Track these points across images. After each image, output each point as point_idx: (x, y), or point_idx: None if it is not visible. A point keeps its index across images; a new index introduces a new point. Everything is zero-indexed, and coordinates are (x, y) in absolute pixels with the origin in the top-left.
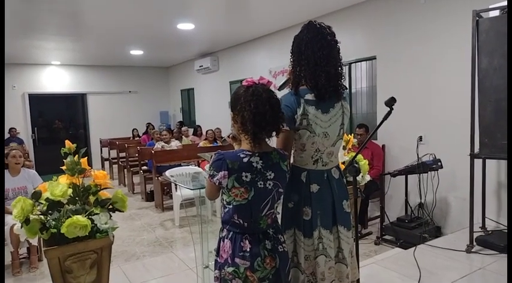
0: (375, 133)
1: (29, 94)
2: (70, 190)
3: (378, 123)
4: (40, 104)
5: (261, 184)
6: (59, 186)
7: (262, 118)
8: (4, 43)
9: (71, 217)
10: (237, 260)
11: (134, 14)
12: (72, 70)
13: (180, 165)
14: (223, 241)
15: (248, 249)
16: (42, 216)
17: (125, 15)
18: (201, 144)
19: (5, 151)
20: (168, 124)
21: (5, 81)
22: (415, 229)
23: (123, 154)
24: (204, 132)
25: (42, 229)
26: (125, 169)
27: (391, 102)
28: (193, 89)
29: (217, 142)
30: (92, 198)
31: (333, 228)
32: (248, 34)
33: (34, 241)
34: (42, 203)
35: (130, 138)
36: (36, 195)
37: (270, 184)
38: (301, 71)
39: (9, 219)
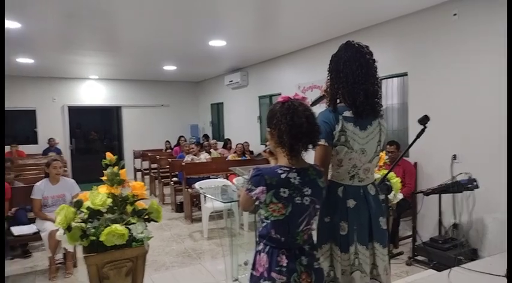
0: (408, 151)
1: (68, 106)
2: (109, 200)
3: (409, 140)
4: (78, 115)
5: (298, 200)
6: (99, 196)
7: (299, 130)
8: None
9: (109, 225)
10: (273, 274)
11: (169, 32)
12: (108, 84)
13: (208, 178)
14: (260, 254)
15: (285, 264)
16: (83, 224)
17: (161, 32)
18: (230, 157)
19: (46, 161)
20: (197, 137)
21: (46, 94)
22: (450, 250)
23: (154, 166)
24: (233, 146)
25: (83, 237)
26: (156, 180)
27: (424, 121)
28: (222, 103)
29: (245, 156)
30: (129, 208)
31: (369, 244)
32: (277, 50)
33: (70, 248)
34: (83, 211)
35: (162, 150)
36: (78, 204)
37: (307, 200)
38: (339, 88)
39: (47, 225)
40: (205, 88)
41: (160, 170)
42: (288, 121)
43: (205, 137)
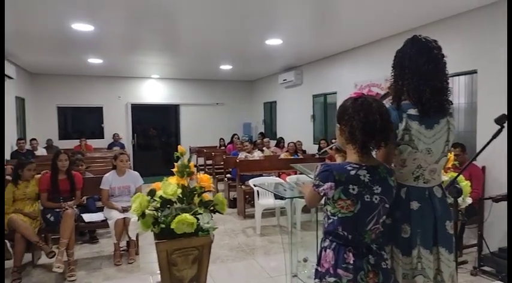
0: (474, 153)
1: (131, 104)
2: (179, 190)
3: (477, 142)
4: (139, 113)
5: (367, 198)
6: (171, 186)
7: (372, 127)
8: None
9: (179, 214)
10: (339, 271)
11: (227, 32)
12: (168, 83)
13: (261, 175)
14: (325, 251)
15: (351, 262)
16: (155, 212)
17: (219, 33)
18: (282, 155)
19: (114, 154)
20: (250, 135)
21: (112, 92)
22: None
23: (209, 162)
24: (286, 145)
25: (154, 224)
26: (211, 176)
27: (502, 120)
28: (275, 102)
29: (298, 155)
30: (196, 199)
31: (433, 248)
32: (334, 48)
33: (133, 236)
34: (156, 200)
35: (216, 147)
36: (152, 193)
37: (376, 198)
38: (403, 85)
39: (114, 214)
40: (259, 87)
41: (215, 166)
42: (361, 117)
43: (261, 134)
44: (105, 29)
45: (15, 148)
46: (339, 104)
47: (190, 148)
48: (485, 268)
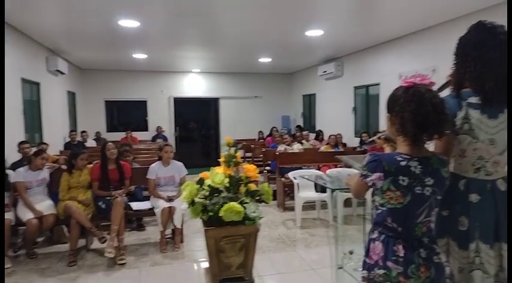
0: None
1: (174, 98)
2: (226, 180)
3: None
4: (180, 106)
5: (418, 190)
6: (218, 175)
7: (424, 119)
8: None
9: (227, 203)
10: (389, 263)
11: (267, 25)
12: (208, 77)
13: (301, 168)
14: (374, 242)
15: (402, 254)
16: (204, 200)
17: (259, 26)
18: (323, 148)
19: (159, 146)
20: (289, 128)
21: (156, 86)
22: None
23: (249, 154)
24: (325, 137)
25: (203, 211)
26: None
27: None
28: (315, 94)
29: (338, 148)
30: (242, 189)
31: (495, 244)
32: (377, 37)
33: (178, 225)
34: (204, 189)
35: (255, 139)
36: (200, 182)
37: (428, 190)
38: (465, 73)
39: (160, 203)
40: (298, 79)
41: (254, 159)
42: (412, 109)
43: (299, 127)
44: (149, 25)
45: (68, 139)
46: (382, 95)
47: None
48: None
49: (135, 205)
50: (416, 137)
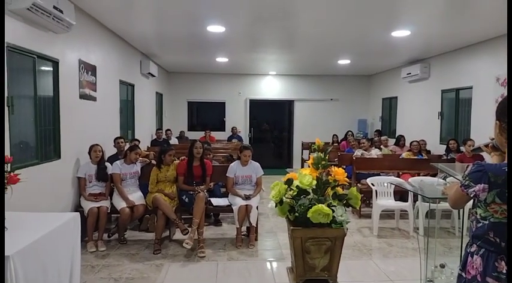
0: None
1: (250, 99)
2: (314, 182)
3: None
4: (255, 108)
5: None
6: (306, 177)
7: None
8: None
9: (314, 204)
10: (489, 280)
11: (349, 25)
12: (284, 79)
13: (378, 174)
14: (472, 256)
15: (504, 271)
16: (291, 200)
17: (339, 27)
18: (404, 155)
19: (239, 148)
20: (365, 132)
21: (234, 88)
22: None
23: None
24: (406, 143)
25: (290, 211)
26: None
27: None
28: (396, 97)
29: (421, 155)
30: (329, 191)
31: None
32: (470, 38)
33: (254, 223)
34: (292, 189)
35: (329, 143)
36: (289, 182)
37: None
38: None
39: (238, 200)
40: (377, 82)
41: (328, 163)
42: None
43: (378, 132)
44: (233, 30)
45: (154, 137)
46: (475, 99)
47: (302, 144)
48: None
49: (215, 201)
50: None
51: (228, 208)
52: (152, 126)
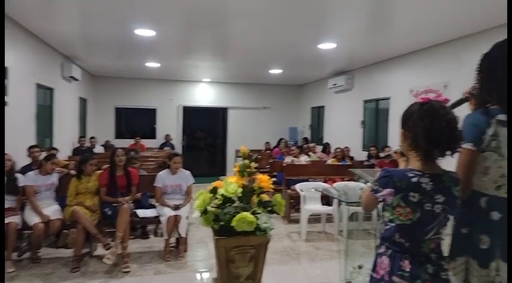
0: None
1: (183, 106)
2: (240, 190)
3: None
4: (188, 115)
5: (428, 206)
6: (232, 185)
7: (437, 135)
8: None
9: (239, 213)
10: (394, 278)
11: (280, 37)
12: (217, 86)
13: (307, 180)
14: (381, 257)
15: (408, 269)
16: (216, 209)
17: (271, 38)
18: (329, 161)
19: (169, 155)
20: (296, 140)
21: (166, 95)
22: None
23: (255, 165)
24: (332, 150)
25: (215, 220)
26: None
27: None
28: (323, 106)
29: (345, 161)
30: (254, 199)
31: None
32: (389, 52)
33: (183, 233)
34: (217, 198)
35: (262, 150)
36: (214, 190)
37: (438, 208)
38: (492, 90)
39: (166, 211)
40: (307, 91)
41: (260, 170)
42: (426, 124)
43: (305, 139)
44: (165, 35)
45: (77, 145)
46: (392, 109)
47: (236, 151)
48: None
49: (141, 213)
50: (428, 153)
51: (156, 220)
52: (74, 134)
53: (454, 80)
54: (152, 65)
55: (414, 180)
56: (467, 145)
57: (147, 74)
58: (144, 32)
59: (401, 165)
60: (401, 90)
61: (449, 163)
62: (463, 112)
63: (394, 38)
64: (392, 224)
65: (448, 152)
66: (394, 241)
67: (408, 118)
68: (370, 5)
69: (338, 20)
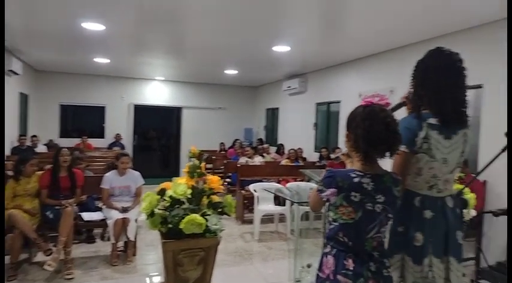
0: (476, 167)
1: (134, 105)
2: (189, 191)
3: (479, 157)
4: (140, 114)
5: (369, 206)
6: (181, 186)
7: (376, 137)
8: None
9: (188, 215)
10: (339, 277)
11: (236, 37)
12: (172, 85)
13: (261, 181)
14: (326, 257)
15: (351, 268)
16: (164, 211)
17: (227, 38)
18: (283, 162)
19: (116, 155)
20: (251, 141)
21: (116, 92)
22: None
23: (209, 166)
24: (286, 151)
25: (163, 223)
26: None
27: None
28: (278, 108)
29: (298, 162)
30: (205, 200)
31: (444, 258)
32: (340, 57)
33: (132, 237)
34: (165, 200)
35: (216, 151)
36: (162, 192)
37: (379, 207)
38: (424, 95)
39: (113, 214)
40: (262, 93)
41: (215, 170)
42: (366, 126)
43: (260, 140)
44: (115, 29)
45: (16, 144)
46: (342, 112)
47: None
48: (483, 281)
49: (87, 216)
50: (367, 154)
51: (103, 223)
52: (13, 132)
53: (399, 85)
54: (101, 60)
55: (356, 180)
56: (401, 148)
57: (96, 70)
58: (93, 26)
59: (348, 166)
60: (351, 94)
61: (385, 164)
62: (402, 116)
63: (345, 44)
64: (336, 224)
65: (387, 154)
66: (338, 241)
67: (352, 120)
68: (322, 11)
69: (291, 23)
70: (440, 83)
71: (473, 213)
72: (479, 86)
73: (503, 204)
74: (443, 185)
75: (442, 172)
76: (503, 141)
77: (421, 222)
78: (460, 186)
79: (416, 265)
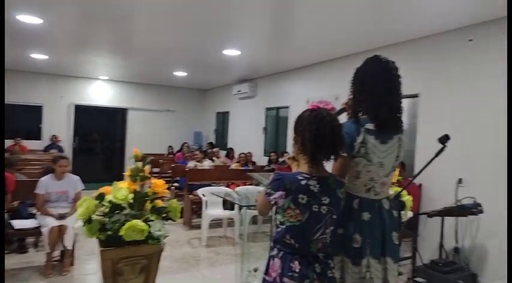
0: (413, 171)
1: (75, 105)
2: (131, 196)
3: (415, 161)
4: (82, 115)
5: (315, 208)
6: (121, 190)
7: (322, 140)
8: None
9: (129, 221)
10: (285, 280)
11: (185, 39)
12: (117, 85)
13: (210, 185)
14: (273, 259)
15: (297, 270)
16: (103, 218)
17: (176, 39)
18: (233, 166)
19: (53, 157)
20: (200, 144)
21: (55, 91)
22: (450, 274)
23: (156, 170)
24: (236, 155)
25: (101, 230)
26: None
27: (444, 140)
28: (228, 112)
29: (248, 166)
30: (148, 205)
31: (381, 258)
32: (289, 64)
33: (69, 246)
34: (104, 205)
35: (164, 154)
36: (100, 197)
37: (324, 209)
38: (362, 101)
39: (49, 221)
40: (212, 96)
41: (162, 175)
42: (313, 129)
43: (210, 144)
44: (54, 24)
45: None
46: (291, 117)
47: None
48: (419, 279)
49: (18, 224)
50: (314, 156)
51: (36, 231)
52: None
53: (343, 92)
54: (38, 56)
55: (303, 182)
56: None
57: (33, 67)
58: (29, 19)
59: (294, 169)
60: (299, 100)
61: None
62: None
63: (292, 52)
64: (283, 226)
65: (332, 156)
66: (285, 243)
67: (299, 123)
68: (272, 18)
69: (242, 28)
70: (377, 89)
71: (410, 214)
72: (415, 96)
73: (436, 206)
74: (380, 188)
75: (379, 175)
76: (437, 147)
77: (359, 224)
78: (398, 189)
79: (355, 266)
